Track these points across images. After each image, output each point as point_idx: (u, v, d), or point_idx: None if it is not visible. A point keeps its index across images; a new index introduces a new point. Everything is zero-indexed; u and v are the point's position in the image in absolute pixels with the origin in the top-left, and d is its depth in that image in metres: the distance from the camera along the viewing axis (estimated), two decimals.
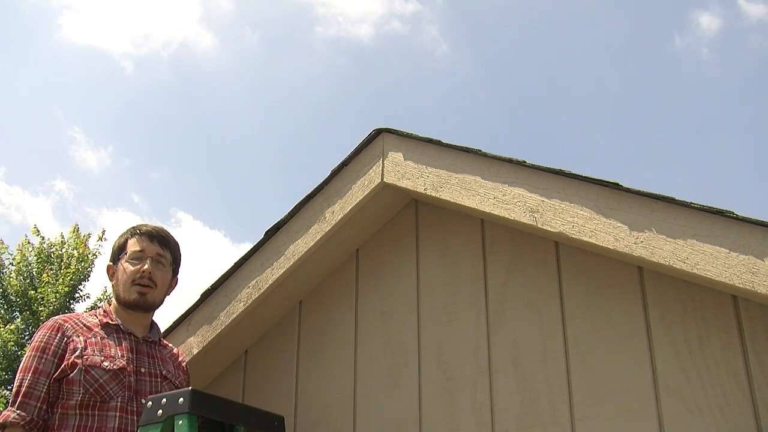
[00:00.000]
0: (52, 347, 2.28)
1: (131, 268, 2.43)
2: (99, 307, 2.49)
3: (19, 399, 2.21)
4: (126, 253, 2.45)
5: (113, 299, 2.47)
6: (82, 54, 27.67)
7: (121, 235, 2.52)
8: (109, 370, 2.26)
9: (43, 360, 2.26)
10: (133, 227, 2.51)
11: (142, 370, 2.36)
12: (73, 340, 2.30)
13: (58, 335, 2.31)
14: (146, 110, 28.56)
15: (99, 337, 2.34)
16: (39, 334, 2.31)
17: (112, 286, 2.48)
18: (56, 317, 2.39)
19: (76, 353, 2.27)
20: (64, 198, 25.67)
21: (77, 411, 2.22)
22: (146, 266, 2.42)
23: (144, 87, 28.15)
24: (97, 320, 2.41)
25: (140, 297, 2.42)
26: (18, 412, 2.19)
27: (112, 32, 28.11)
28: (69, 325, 2.35)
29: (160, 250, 2.48)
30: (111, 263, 2.49)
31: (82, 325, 2.37)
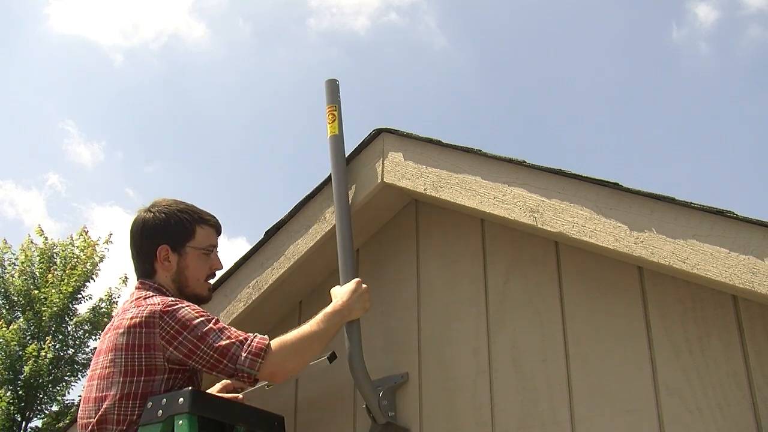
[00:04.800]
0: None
1: (205, 263, 2.34)
2: (167, 293, 2.25)
3: (239, 335, 2.14)
4: (195, 243, 2.31)
5: (168, 284, 2.28)
6: (70, 45, 27.50)
7: (179, 217, 2.31)
8: None
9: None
10: (196, 213, 2.35)
11: None
12: None
13: None
14: (138, 103, 28.40)
15: None
16: (190, 308, 2.14)
17: (168, 270, 2.29)
18: (168, 300, 2.16)
19: None
20: (57, 192, 25.60)
21: None
22: (221, 264, 2.38)
23: (135, 79, 27.96)
24: None
25: (209, 294, 2.39)
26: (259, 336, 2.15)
27: (101, 23, 27.91)
28: None
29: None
30: (167, 245, 2.28)
31: None
